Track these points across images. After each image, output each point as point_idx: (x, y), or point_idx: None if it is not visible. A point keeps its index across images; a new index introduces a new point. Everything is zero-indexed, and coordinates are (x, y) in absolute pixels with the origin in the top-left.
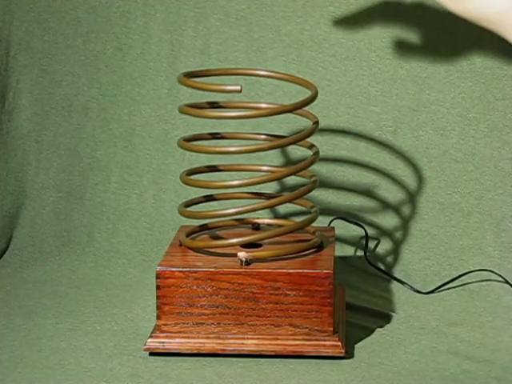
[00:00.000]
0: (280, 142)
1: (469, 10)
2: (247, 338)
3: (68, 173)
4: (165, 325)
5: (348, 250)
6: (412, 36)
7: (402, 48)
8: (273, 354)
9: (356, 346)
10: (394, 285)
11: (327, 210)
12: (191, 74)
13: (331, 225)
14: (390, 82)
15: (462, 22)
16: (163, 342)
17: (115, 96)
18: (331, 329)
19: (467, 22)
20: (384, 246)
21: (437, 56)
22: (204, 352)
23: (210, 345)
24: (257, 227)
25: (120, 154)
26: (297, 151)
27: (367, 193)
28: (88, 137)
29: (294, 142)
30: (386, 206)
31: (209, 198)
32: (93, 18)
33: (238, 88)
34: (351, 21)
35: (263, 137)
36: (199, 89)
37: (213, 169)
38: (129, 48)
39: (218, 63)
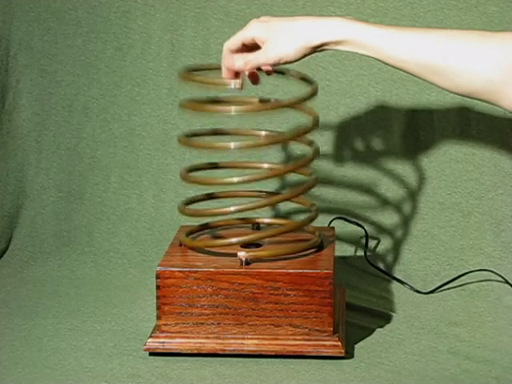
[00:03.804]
0: (280, 138)
1: (459, 85)
2: (247, 338)
3: (68, 173)
4: (165, 325)
5: (348, 250)
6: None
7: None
8: (273, 354)
9: (356, 346)
10: (394, 285)
11: (327, 210)
12: (191, 69)
13: (331, 225)
14: (390, 81)
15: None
16: (163, 342)
17: (115, 96)
18: (331, 329)
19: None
20: (384, 246)
21: None
22: (204, 352)
23: (210, 345)
24: (257, 227)
25: (120, 154)
26: (297, 150)
27: (367, 193)
28: (88, 137)
29: (294, 138)
30: (386, 205)
31: (209, 196)
32: (93, 18)
33: (238, 86)
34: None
35: (264, 133)
36: (200, 82)
37: (213, 166)
38: (129, 48)
39: (218, 63)
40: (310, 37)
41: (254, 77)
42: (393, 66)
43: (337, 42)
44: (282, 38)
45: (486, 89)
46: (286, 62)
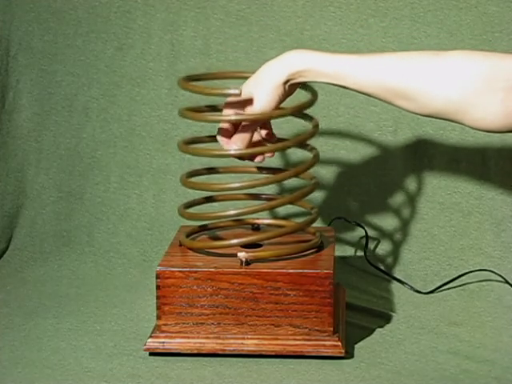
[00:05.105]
0: (280, 146)
1: (423, 106)
2: (247, 338)
3: (68, 173)
4: (165, 325)
5: (348, 250)
6: None
7: None
8: (273, 354)
9: (356, 346)
10: (394, 285)
11: (327, 210)
12: (191, 78)
13: (331, 225)
14: None
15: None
16: (163, 342)
17: (115, 96)
18: (331, 329)
19: None
20: (384, 246)
21: None
22: (204, 352)
23: (210, 345)
24: (257, 228)
25: (120, 154)
26: (297, 152)
27: (367, 193)
28: (88, 137)
29: (295, 145)
30: (386, 205)
31: (209, 199)
32: (93, 18)
33: (238, 92)
34: None
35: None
36: (199, 93)
37: (213, 171)
38: (129, 48)
39: (218, 63)
40: (274, 76)
41: (266, 139)
42: (357, 92)
43: (299, 74)
44: (255, 91)
45: (446, 108)
46: (271, 113)
